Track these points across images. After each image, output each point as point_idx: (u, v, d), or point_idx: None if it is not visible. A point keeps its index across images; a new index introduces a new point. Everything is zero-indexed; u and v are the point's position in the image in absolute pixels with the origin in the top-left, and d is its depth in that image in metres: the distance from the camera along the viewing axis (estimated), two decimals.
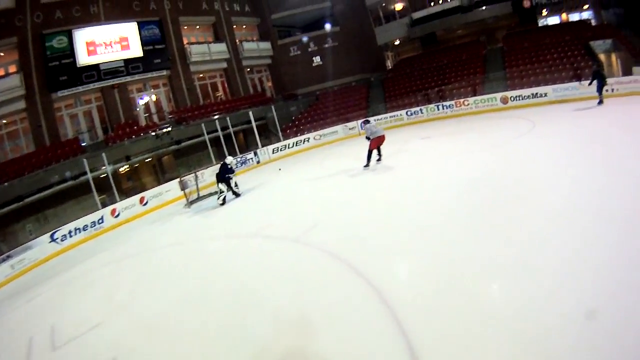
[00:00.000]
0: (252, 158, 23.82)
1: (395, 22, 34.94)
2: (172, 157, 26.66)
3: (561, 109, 18.59)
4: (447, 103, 25.26)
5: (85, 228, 16.21)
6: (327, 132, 26.67)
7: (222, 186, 15.42)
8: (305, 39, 36.51)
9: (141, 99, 28.29)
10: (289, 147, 25.54)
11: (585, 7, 32.69)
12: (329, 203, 11.64)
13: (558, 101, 20.58)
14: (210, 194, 17.43)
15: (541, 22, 32.77)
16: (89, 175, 18.06)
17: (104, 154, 19.30)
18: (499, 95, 23.30)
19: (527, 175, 9.76)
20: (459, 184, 10.30)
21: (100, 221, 16.79)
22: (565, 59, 24.15)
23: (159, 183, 21.32)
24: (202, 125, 22.93)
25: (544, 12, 32.46)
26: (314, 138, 26.37)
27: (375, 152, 15.24)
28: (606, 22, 28.92)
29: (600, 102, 17.69)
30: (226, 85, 32.35)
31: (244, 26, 35.11)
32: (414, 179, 12.23)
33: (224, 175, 15.45)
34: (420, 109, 26.22)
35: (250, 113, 24.94)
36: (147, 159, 24.59)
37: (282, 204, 13.25)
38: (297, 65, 35.91)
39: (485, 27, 33.42)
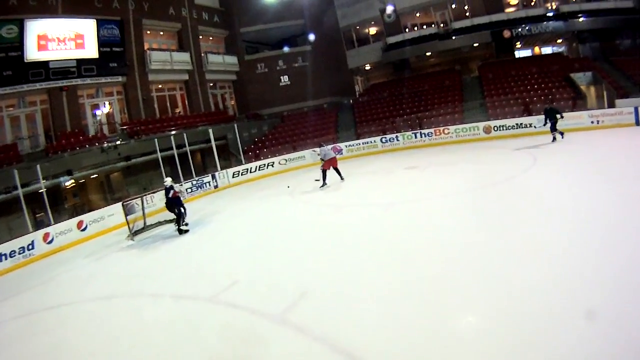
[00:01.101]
0: (209, 182, 21.72)
1: (368, 46, 34.13)
2: (122, 174, 24.27)
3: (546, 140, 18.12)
4: (425, 131, 24.25)
5: (12, 254, 13.77)
6: (293, 157, 24.93)
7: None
8: (277, 54, 35.19)
9: (98, 109, 25.88)
10: (251, 172, 23.63)
11: (559, 41, 33.50)
12: (317, 252, 9.34)
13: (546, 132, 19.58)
14: (160, 223, 15.20)
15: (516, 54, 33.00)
16: (20, 191, 15.91)
17: (38, 167, 16.83)
18: (481, 124, 22.59)
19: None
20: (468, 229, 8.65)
21: (30, 247, 14.39)
22: (547, 90, 24.02)
23: (107, 203, 19.18)
24: (155, 140, 20.60)
25: (518, 45, 32.72)
26: (279, 163, 24.63)
27: (334, 174, 17.19)
28: (582, 56, 29.20)
29: (554, 139, 17.57)
30: (186, 99, 30.13)
31: (211, 37, 33.21)
32: (416, 221, 10.42)
33: (176, 204, 13.73)
34: (397, 136, 25.00)
35: (210, 131, 22.93)
36: (92, 175, 22.04)
37: (251, 248, 10.72)
38: (263, 84, 34.16)
39: (460, 56, 33.36)
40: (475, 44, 30.83)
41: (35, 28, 22.26)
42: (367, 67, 36.95)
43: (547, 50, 34.43)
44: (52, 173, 19.65)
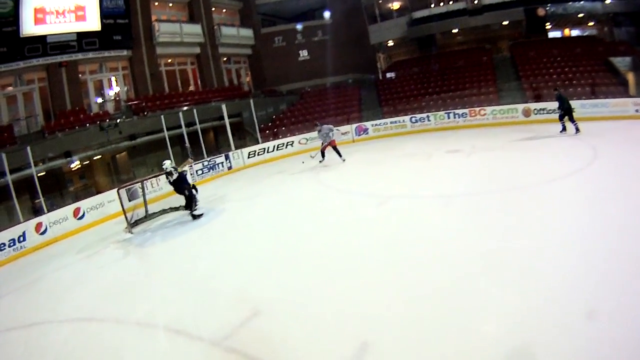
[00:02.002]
0: (222, 162, 19.65)
1: (392, 21, 31.72)
2: (127, 155, 22.36)
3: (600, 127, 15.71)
4: (459, 111, 21.80)
5: (1, 247, 12.19)
6: (315, 136, 22.60)
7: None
8: (298, 26, 32.67)
9: (111, 88, 24.02)
10: (268, 151, 21.48)
11: (591, 24, 31.37)
12: (368, 267, 6.79)
13: (588, 118, 17.19)
14: (164, 211, 13.24)
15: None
16: (9, 177, 14.21)
17: (28, 149, 14.95)
18: (520, 106, 20.06)
19: None
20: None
21: (21, 238, 12.77)
22: (586, 73, 21.88)
23: (114, 185, 17.41)
24: (162, 117, 18.56)
25: (548, 25, 30.29)
26: (299, 142, 22.37)
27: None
28: (618, 40, 27.10)
29: (564, 129, 15.68)
30: (198, 74, 27.95)
31: (224, 10, 30.90)
32: (495, 221, 8.06)
33: (184, 183, 12.22)
34: (428, 116, 22.55)
35: (224, 107, 20.71)
36: (93, 156, 20.09)
37: (274, 255, 8.35)
38: (281, 59, 31.87)
39: (487, 35, 31.36)
40: (506, 22, 28.89)
41: (32, 1, 20.34)
42: (390, 44, 34.70)
43: (575, 33, 32.40)
44: (50, 155, 17.91)
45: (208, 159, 18.94)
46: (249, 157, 20.78)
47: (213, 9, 28.97)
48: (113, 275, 9.08)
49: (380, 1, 32.06)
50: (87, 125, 19.42)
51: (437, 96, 24.85)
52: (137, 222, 12.47)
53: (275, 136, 23.34)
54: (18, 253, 12.57)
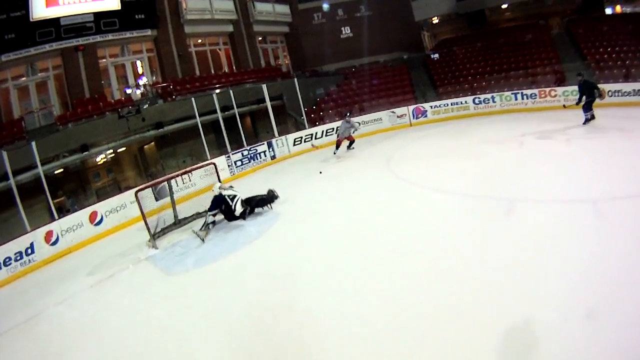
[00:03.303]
0: (264, 152, 16.72)
1: None
2: (155, 146, 19.72)
3: None
4: (527, 91, 18.68)
5: (7, 262, 10.26)
6: (368, 119, 19.63)
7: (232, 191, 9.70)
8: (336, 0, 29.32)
9: (141, 78, 21.42)
10: (316, 138, 18.47)
11: None
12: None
13: None
14: (199, 214, 10.41)
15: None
16: (12, 181, 11.94)
17: (33, 145, 12.29)
18: None
19: None
20: None
21: (29, 251, 10.77)
22: None
23: (142, 180, 15.52)
24: (192, 100, 15.69)
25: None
26: None
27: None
28: None
29: (587, 120, 13.52)
30: (231, 55, 24.94)
31: None
32: None
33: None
34: (492, 97, 19.35)
35: (264, 87, 17.69)
36: (114, 149, 17.46)
37: (363, 276, 5.96)
38: (321, 37, 28.33)
39: (538, 10, 28.96)
40: None
41: None
42: (435, 21, 32.01)
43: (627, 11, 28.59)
44: (64, 149, 15.31)
45: (248, 147, 15.99)
46: (294, 145, 17.83)
47: None
48: (123, 324, 6.27)
49: None
50: (107, 113, 16.70)
51: (496, 75, 21.89)
52: (163, 231, 9.64)
53: (321, 120, 20.30)
54: (26, 268, 10.56)
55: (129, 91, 20.68)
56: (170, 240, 9.60)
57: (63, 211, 15.60)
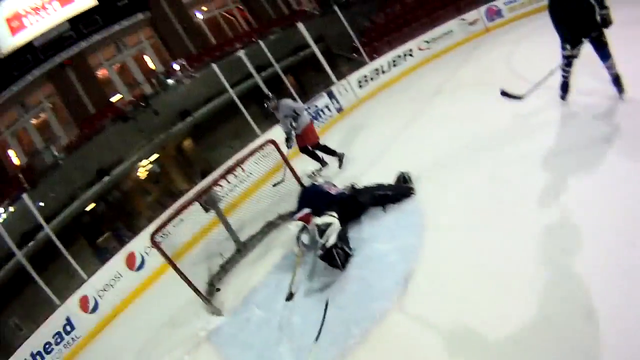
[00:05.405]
0: (327, 105, 12.60)
1: None
2: (192, 141, 16.33)
3: None
4: None
5: (48, 348, 8.01)
6: (437, 35, 15.07)
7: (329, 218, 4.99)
8: None
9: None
10: (383, 72, 14.08)
11: None
12: None
13: None
14: (272, 225, 6.55)
15: None
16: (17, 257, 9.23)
17: (25, 197, 9.46)
18: None
19: None
20: None
21: (68, 328, 8.28)
22: None
23: (192, 183, 12.38)
24: (214, 67, 11.58)
25: None
26: (419, 48, 14.78)
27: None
28: None
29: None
30: (246, 11, 20.79)
31: None
32: None
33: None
34: None
35: (301, 26, 13.27)
36: (137, 162, 13.98)
37: None
38: None
39: None
40: None
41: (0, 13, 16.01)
42: None
43: None
44: (77, 185, 12.57)
45: (306, 105, 11.83)
46: (360, 87, 13.55)
47: None
48: None
49: None
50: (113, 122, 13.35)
51: None
52: (226, 270, 5.79)
53: (378, 52, 15.96)
54: (72, 349, 8.17)
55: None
56: (238, 287, 5.75)
57: (107, 253, 12.63)
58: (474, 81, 9.52)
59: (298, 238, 5.09)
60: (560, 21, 5.16)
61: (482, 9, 15.34)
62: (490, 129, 5.95)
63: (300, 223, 5.15)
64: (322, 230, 4.75)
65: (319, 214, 5.04)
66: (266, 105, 8.20)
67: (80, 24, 16.33)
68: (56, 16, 16.12)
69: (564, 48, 5.19)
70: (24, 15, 15.85)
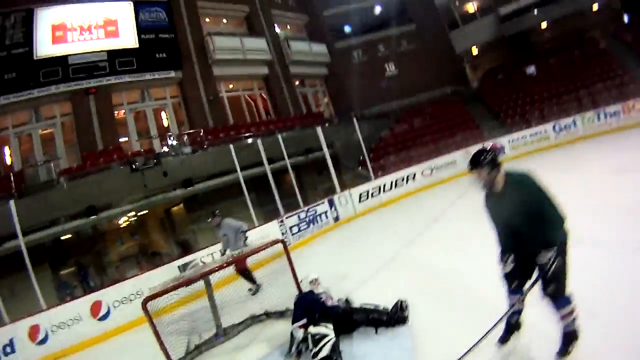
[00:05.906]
0: (325, 212, 12.86)
1: (475, 23, 26.78)
2: (184, 208, 16.33)
3: None
4: (610, 109, 16.36)
5: None
6: (440, 163, 15.94)
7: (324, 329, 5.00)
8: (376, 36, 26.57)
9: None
10: (384, 191, 14.63)
11: None
12: None
13: None
14: (256, 319, 6.56)
15: None
16: None
17: (11, 203, 8.90)
18: None
19: None
20: None
21: (7, 351, 7.79)
22: None
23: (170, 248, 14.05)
24: (231, 148, 11.94)
25: None
26: (422, 174, 15.60)
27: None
28: None
29: None
30: (268, 101, 21.75)
31: (289, 25, 25.19)
32: None
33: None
34: (574, 121, 16.86)
35: (319, 130, 13.87)
36: (135, 211, 13.93)
37: None
38: (364, 76, 24.86)
39: (578, 25, 25.29)
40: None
41: (48, 17, 15.98)
42: (475, 52, 29.08)
43: None
44: (65, 212, 12.20)
45: (305, 208, 12.12)
46: (360, 201, 13.95)
47: (275, 24, 23.22)
48: None
49: (457, 3, 27.14)
50: (119, 167, 13.37)
51: (564, 97, 19.06)
52: (193, 355, 5.76)
53: (383, 169, 16.62)
54: None
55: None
56: None
57: (67, 288, 12.41)
58: (473, 213, 9.93)
59: (295, 341, 5.19)
60: None
61: (487, 144, 16.31)
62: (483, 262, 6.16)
63: (302, 331, 5.25)
64: (317, 340, 4.87)
65: (315, 322, 5.16)
66: (209, 220, 8.53)
67: (117, 60, 16.71)
68: (98, 43, 16.56)
69: None
70: (69, 29, 16.19)
